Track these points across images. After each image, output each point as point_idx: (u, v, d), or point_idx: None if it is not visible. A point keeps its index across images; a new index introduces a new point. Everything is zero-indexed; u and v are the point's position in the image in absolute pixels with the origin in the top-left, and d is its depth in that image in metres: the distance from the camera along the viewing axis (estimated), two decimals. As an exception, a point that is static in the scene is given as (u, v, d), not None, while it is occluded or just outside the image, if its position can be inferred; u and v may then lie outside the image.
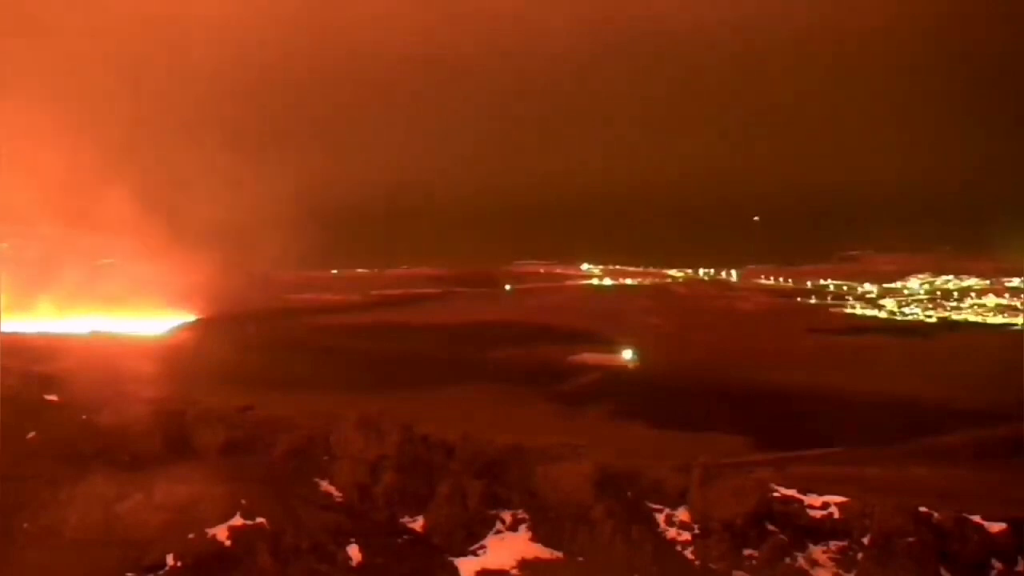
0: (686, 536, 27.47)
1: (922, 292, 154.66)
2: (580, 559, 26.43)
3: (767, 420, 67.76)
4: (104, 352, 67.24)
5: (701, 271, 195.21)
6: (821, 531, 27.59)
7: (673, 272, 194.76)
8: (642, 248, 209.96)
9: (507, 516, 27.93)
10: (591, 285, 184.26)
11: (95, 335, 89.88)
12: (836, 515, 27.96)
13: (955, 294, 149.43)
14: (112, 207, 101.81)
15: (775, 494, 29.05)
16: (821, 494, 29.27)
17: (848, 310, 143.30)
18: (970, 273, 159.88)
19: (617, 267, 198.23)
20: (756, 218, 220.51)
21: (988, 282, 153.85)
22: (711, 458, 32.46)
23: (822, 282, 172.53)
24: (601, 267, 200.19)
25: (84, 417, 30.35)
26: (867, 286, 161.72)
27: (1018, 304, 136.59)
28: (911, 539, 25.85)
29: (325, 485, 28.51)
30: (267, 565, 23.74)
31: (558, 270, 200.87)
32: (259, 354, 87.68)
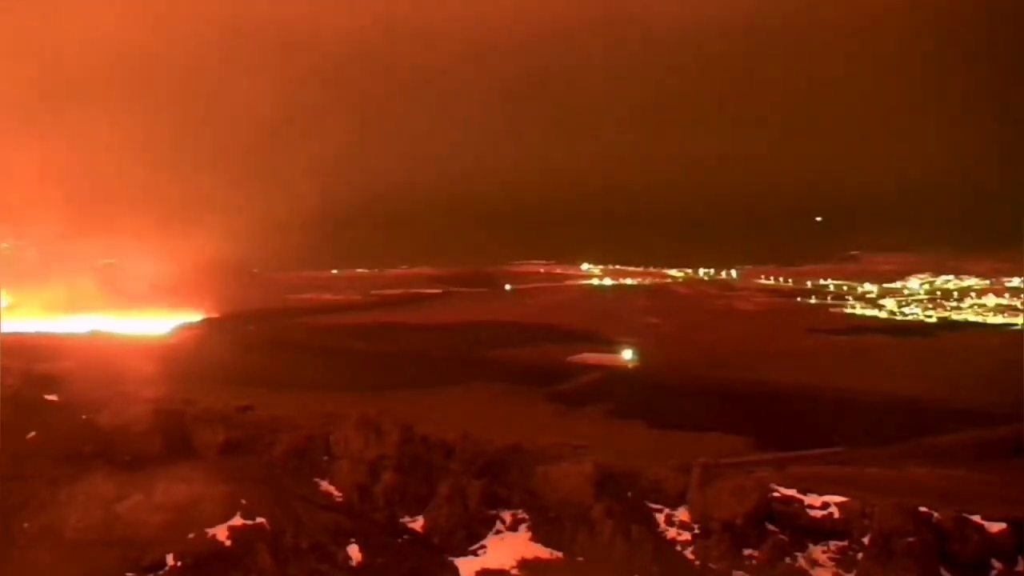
0: (686, 536, 27.49)
1: (922, 292, 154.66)
2: (580, 559, 26.44)
3: (767, 420, 67.69)
4: (104, 352, 67.31)
5: (701, 271, 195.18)
6: (821, 531, 27.60)
7: (673, 272, 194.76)
8: (642, 248, 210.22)
9: (507, 516, 27.94)
10: (591, 285, 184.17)
11: (95, 335, 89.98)
12: (836, 515, 27.96)
13: (955, 294, 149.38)
14: (112, 208, 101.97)
15: (775, 494, 29.04)
16: (821, 494, 29.25)
17: (848, 310, 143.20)
18: (970, 273, 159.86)
19: (617, 267, 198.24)
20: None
21: (988, 282, 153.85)
22: (711, 458, 32.48)
23: (822, 282, 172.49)
24: (601, 267, 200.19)
25: (84, 417, 30.31)
26: (867, 286, 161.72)
27: (1018, 304, 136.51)
28: (911, 539, 25.86)
29: (325, 485, 28.51)
30: (267, 565, 23.75)
31: (558, 270, 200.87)
32: (259, 354, 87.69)
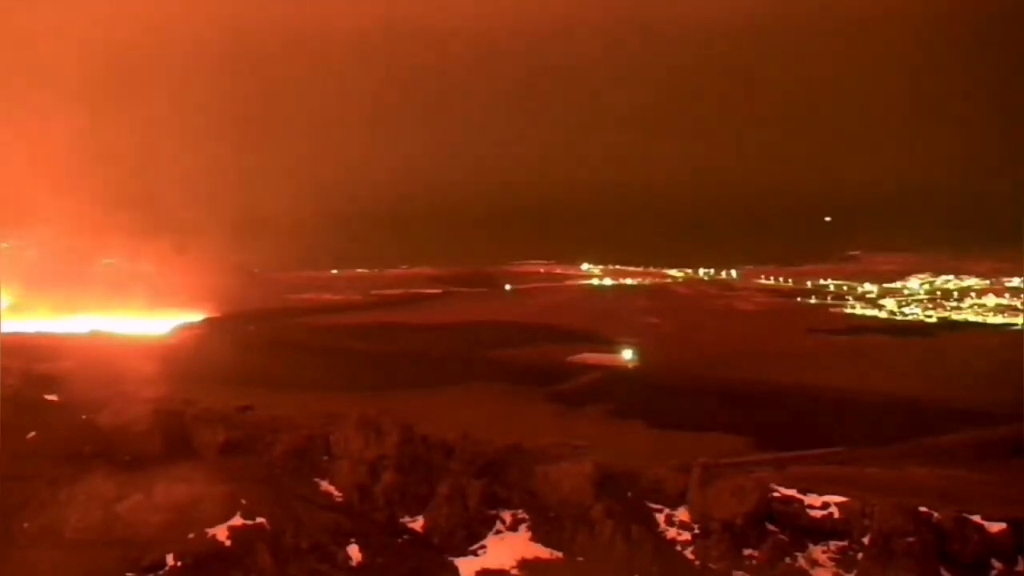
0: (686, 536, 27.51)
1: (922, 292, 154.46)
2: (580, 559, 26.46)
3: (767, 420, 67.66)
4: (104, 352, 67.20)
5: (701, 271, 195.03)
6: (821, 531, 27.61)
7: (673, 272, 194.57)
8: (642, 248, 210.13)
9: (507, 516, 27.96)
10: (591, 285, 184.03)
11: (95, 335, 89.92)
12: (836, 515, 27.98)
13: (955, 294, 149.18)
14: (112, 207, 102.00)
15: (775, 494, 29.06)
16: (821, 494, 29.26)
17: (848, 310, 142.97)
18: (970, 273, 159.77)
19: (617, 267, 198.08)
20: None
21: (988, 282, 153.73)
22: (711, 458, 32.48)
23: (822, 282, 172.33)
24: (601, 267, 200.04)
25: (84, 417, 30.35)
26: (867, 286, 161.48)
27: (1018, 304, 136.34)
28: (911, 539, 25.87)
29: (325, 485, 28.53)
30: (267, 565, 23.75)
31: (558, 270, 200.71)
32: (259, 354, 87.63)
